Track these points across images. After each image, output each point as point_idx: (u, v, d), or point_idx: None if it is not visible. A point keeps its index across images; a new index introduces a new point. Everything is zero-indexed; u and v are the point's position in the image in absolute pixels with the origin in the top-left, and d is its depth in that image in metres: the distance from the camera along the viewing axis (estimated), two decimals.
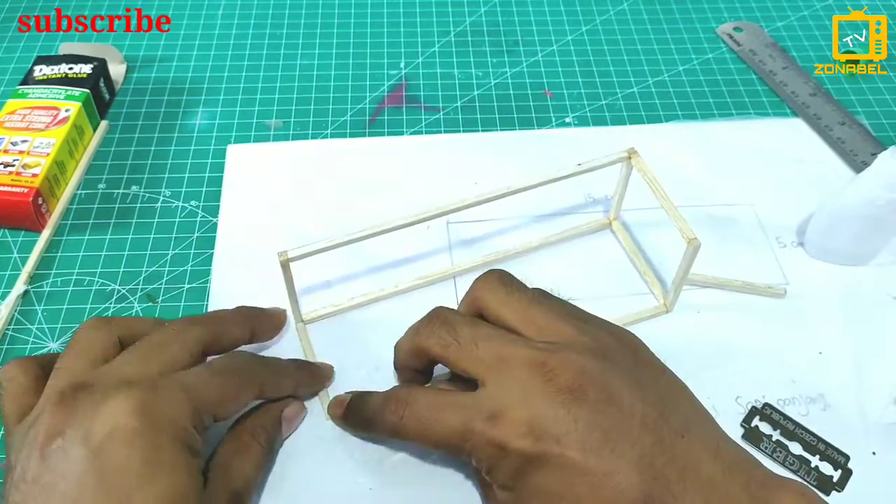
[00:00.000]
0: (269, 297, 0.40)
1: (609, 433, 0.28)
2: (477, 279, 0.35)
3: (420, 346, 0.34)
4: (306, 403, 0.37)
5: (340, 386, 0.38)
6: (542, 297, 0.34)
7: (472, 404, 0.31)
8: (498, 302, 0.33)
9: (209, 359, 0.33)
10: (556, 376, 0.29)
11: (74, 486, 0.27)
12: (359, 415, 0.35)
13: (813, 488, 0.31)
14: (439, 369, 0.36)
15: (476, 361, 0.31)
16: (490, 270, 0.35)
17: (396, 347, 0.36)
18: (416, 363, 0.35)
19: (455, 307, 0.41)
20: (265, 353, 0.38)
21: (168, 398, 0.29)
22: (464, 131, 0.51)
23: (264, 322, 0.38)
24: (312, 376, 0.37)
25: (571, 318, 0.33)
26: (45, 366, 0.32)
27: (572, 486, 0.28)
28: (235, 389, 0.32)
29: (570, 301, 0.35)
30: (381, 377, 0.38)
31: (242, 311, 0.37)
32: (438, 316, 0.34)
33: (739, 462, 0.29)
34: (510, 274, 0.35)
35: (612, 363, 0.31)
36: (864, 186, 0.40)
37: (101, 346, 0.32)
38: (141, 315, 0.41)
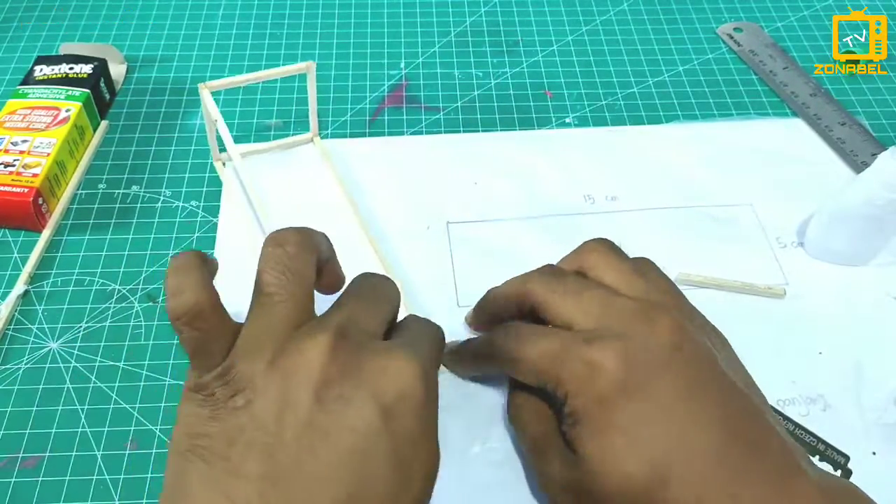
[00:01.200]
0: None
1: (697, 385, 0.29)
2: (585, 242, 0.35)
3: (526, 289, 0.34)
4: None
5: None
6: (647, 267, 0.35)
7: (571, 333, 0.31)
8: (604, 263, 0.34)
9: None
10: (656, 325, 0.30)
11: (364, 442, 0.25)
12: (468, 350, 0.37)
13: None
14: None
15: (578, 308, 0.32)
16: (597, 238, 0.36)
17: (492, 292, 0.37)
18: (509, 310, 0.35)
19: (454, 308, 0.41)
20: None
21: (433, 369, 0.30)
22: (464, 131, 0.51)
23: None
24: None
25: (673, 291, 0.34)
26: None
27: (650, 423, 0.28)
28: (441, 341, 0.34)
29: None
30: None
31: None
32: (548, 267, 0.35)
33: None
34: (614, 243, 0.35)
35: (708, 337, 0.32)
36: (864, 186, 0.40)
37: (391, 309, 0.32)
38: (140, 316, 0.41)
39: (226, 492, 0.24)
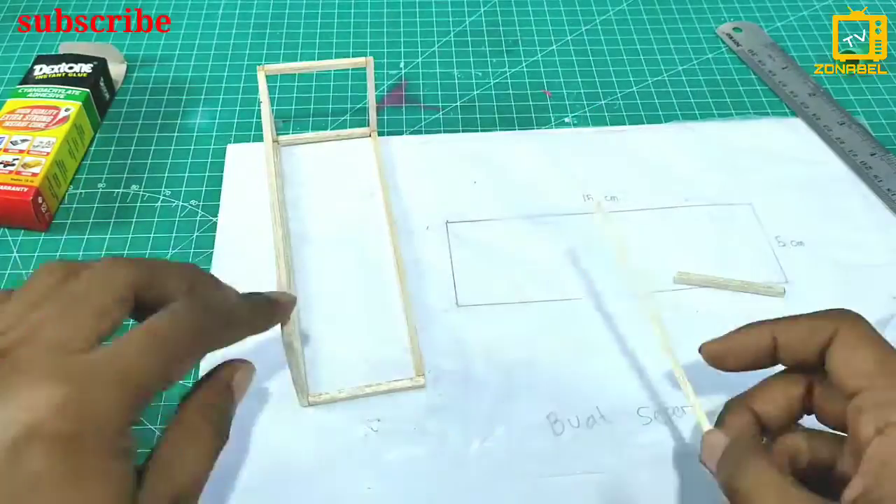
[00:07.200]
0: None
1: None
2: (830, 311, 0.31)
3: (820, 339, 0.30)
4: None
5: (345, 376, 0.38)
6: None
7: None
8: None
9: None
10: None
11: None
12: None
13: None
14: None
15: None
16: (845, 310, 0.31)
17: (741, 338, 0.33)
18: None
19: (453, 307, 0.41)
20: None
21: (102, 395, 0.22)
22: (463, 131, 0.51)
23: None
24: (270, 316, 0.30)
25: None
26: None
27: None
28: (183, 355, 0.25)
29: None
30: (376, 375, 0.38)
31: (191, 269, 0.28)
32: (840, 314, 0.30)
33: None
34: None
35: None
36: None
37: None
38: None
39: None
